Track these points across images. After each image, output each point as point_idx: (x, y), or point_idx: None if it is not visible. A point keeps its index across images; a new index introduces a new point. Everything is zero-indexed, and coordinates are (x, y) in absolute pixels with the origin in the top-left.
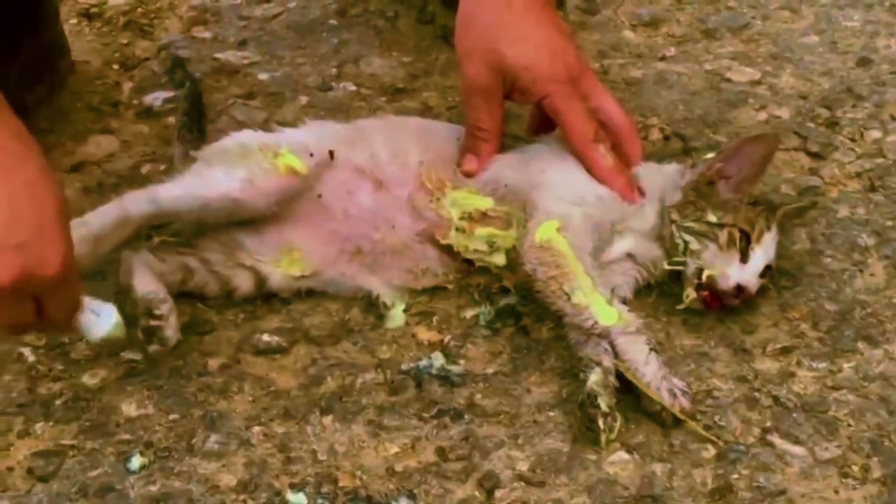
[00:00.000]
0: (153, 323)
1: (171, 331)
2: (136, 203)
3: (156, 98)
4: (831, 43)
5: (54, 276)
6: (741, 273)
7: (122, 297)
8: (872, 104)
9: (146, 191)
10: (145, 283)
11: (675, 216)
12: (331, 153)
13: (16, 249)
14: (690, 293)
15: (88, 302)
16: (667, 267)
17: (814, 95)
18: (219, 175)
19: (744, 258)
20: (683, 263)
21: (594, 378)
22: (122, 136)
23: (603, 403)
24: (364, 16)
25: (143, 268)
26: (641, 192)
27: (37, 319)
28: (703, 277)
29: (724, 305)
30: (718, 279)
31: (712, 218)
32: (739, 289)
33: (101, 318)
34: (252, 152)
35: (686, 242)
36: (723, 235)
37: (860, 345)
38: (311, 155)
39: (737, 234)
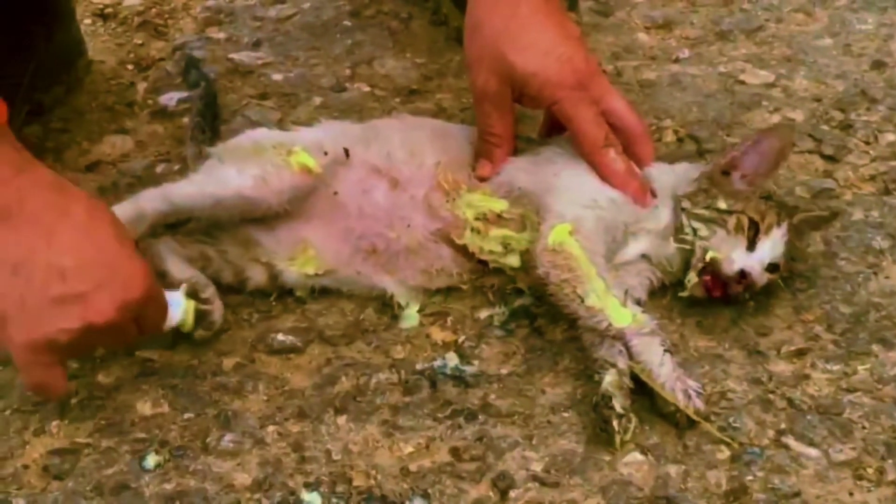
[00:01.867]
0: (201, 307)
1: (217, 314)
2: (150, 201)
3: (170, 98)
4: (845, 46)
5: (143, 295)
6: (746, 259)
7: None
8: (886, 107)
9: (160, 189)
10: (181, 268)
11: (685, 204)
12: (346, 151)
13: (100, 290)
14: (693, 277)
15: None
16: (674, 244)
17: (828, 98)
18: (231, 173)
19: (751, 246)
20: (691, 243)
21: (609, 379)
22: (137, 136)
23: (617, 405)
24: (378, 17)
25: (171, 254)
26: (654, 194)
27: (136, 335)
28: (707, 258)
29: (727, 294)
30: (723, 262)
31: (722, 205)
32: (743, 274)
33: (171, 307)
34: (265, 150)
35: (695, 230)
36: (731, 221)
37: (875, 347)
38: (326, 153)
39: (745, 221)
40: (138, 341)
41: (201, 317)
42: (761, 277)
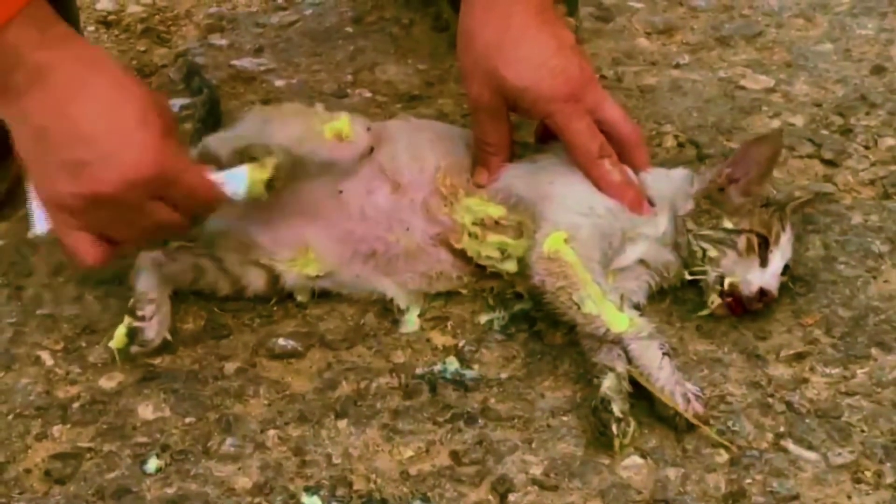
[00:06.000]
0: (134, 324)
1: (152, 333)
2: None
3: (173, 105)
4: (845, 51)
5: (152, 174)
6: (762, 277)
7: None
8: (886, 112)
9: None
10: (143, 283)
11: (690, 225)
12: (371, 148)
13: (104, 161)
14: (715, 300)
15: (221, 175)
16: (688, 277)
17: (828, 103)
18: (275, 128)
19: (763, 263)
20: (704, 272)
21: (607, 383)
22: None
23: (616, 408)
24: (379, 23)
25: (148, 268)
26: (651, 202)
27: (177, 218)
28: (726, 285)
29: (748, 310)
30: (741, 285)
31: (728, 224)
32: (762, 293)
33: (230, 184)
34: (312, 114)
35: (704, 251)
36: (741, 242)
37: (873, 351)
38: (369, 129)
39: (755, 240)
40: (191, 225)
41: (134, 334)
42: (778, 286)
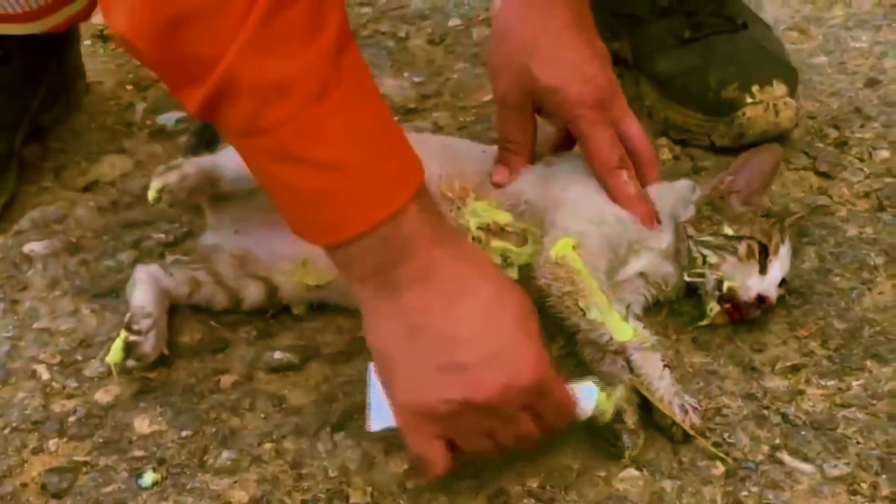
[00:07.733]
0: (131, 338)
1: (148, 347)
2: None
3: (169, 118)
4: (840, 63)
5: (531, 383)
6: (761, 283)
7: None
8: (881, 124)
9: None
10: (139, 297)
11: (691, 231)
12: None
13: (485, 366)
14: (714, 307)
15: (572, 389)
16: (687, 279)
17: (822, 115)
18: None
19: (763, 270)
20: (702, 275)
21: (619, 394)
22: (136, 155)
23: (630, 420)
24: (375, 37)
25: (145, 282)
26: (658, 219)
27: (535, 431)
28: (725, 289)
29: (745, 317)
30: (739, 290)
31: (729, 231)
32: (761, 299)
33: (582, 399)
34: None
35: (704, 257)
36: (742, 248)
37: (869, 363)
38: None
39: (756, 247)
40: (544, 442)
41: (130, 347)
42: (776, 296)
